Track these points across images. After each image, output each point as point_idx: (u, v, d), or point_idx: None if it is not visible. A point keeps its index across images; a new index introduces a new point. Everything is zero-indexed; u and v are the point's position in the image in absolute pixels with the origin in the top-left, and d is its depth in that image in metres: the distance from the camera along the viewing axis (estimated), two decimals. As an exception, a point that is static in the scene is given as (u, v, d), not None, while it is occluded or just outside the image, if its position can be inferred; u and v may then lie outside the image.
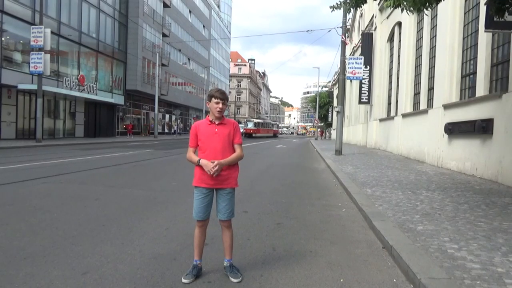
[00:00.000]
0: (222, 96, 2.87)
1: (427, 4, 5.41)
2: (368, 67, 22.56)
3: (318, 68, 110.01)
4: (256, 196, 6.34)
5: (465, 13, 10.69)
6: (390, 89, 20.10)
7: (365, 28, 25.60)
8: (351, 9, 6.77)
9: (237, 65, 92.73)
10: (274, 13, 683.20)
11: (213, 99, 2.88)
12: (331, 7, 6.97)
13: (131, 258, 3.28)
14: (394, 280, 2.98)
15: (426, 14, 6.25)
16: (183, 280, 2.82)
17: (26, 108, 23.60)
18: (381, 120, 20.81)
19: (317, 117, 56.40)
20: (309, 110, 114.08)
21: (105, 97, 31.00)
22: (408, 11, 5.57)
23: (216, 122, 2.92)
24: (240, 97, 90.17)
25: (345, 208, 5.69)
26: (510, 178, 7.37)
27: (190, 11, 50.79)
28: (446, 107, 10.94)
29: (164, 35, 41.14)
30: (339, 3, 6.95)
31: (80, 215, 4.77)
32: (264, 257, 3.44)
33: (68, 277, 2.83)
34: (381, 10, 21.01)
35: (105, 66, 32.38)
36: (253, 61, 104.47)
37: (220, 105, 2.86)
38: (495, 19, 6.26)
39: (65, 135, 27.59)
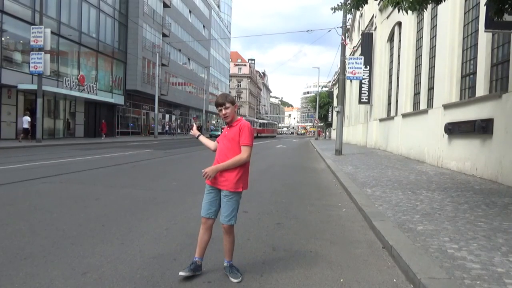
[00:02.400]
0: (222, 101, 2.93)
1: (425, 3, 5.41)
2: (368, 67, 22.55)
3: (318, 68, 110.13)
4: (256, 196, 6.34)
5: (465, 13, 10.69)
6: (390, 89, 20.10)
7: (365, 28, 25.60)
8: (352, 10, 6.77)
9: (237, 65, 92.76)
10: (274, 13, 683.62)
11: (217, 108, 3.00)
12: (332, 8, 6.98)
13: (131, 258, 3.28)
14: (394, 280, 2.98)
15: (420, 13, 6.26)
16: (180, 273, 2.85)
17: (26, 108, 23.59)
18: (381, 120, 20.81)
19: (317, 117, 56.40)
20: (309, 110, 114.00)
21: (105, 97, 31.00)
22: (404, 11, 5.57)
23: (229, 125, 2.99)
24: (240, 97, 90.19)
25: (345, 208, 5.70)
26: (510, 178, 7.38)
27: (190, 11, 50.79)
28: (446, 107, 10.94)
29: (164, 35, 41.14)
30: (340, 4, 6.97)
31: (80, 215, 4.77)
32: (264, 257, 3.45)
33: (68, 277, 2.83)
34: (381, 10, 21.01)
35: (105, 66, 32.38)
36: (253, 61, 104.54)
37: (223, 111, 2.94)
38: (494, 19, 6.26)
39: (65, 135, 27.58)
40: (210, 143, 3.23)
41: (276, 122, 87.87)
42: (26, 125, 20.36)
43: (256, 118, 68.13)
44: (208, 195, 2.96)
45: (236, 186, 2.89)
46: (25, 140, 19.96)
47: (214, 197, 2.95)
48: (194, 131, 3.32)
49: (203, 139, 3.26)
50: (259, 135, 54.73)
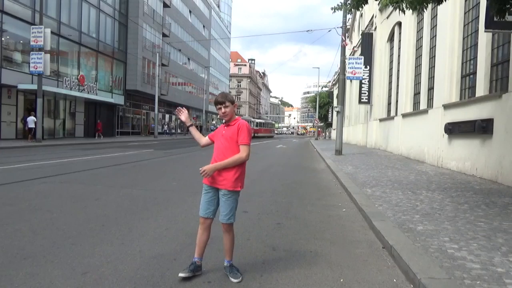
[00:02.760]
0: (222, 100, 2.93)
1: (425, 3, 5.41)
2: (368, 67, 22.55)
3: (318, 68, 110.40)
4: (256, 196, 6.35)
5: (465, 13, 10.69)
6: (390, 89, 20.10)
7: (365, 28, 25.60)
8: (352, 10, 6.78)
9: (237, 65, 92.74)
10: (274, 13, 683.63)
11: (216, 105, 2.99)
12: (332, 8, 6.99)
13: (131, 258, 3.28)
14: (394, 280, 2.98)
15: (421, 13, 6.27)
16: (180, 274, 2.84)
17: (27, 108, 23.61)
18: (381, 120, 20.81)
19: (317, 117, 56.40)
20: (309, 110, 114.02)
21: (105, 97, 31.00)
22: (401, 11, 5.57)
23: (226, 124, 2.99)
24: (240, 97, 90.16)
25: (345, 208, 5.69)
26: (510, 178, 7.37)
27: (190, 11, 50.79)
28: (446, 107, 10.94)
29: (164, 35, 41.14)
30: (340, 4, 6.98)
31: (80, 215, 4.77)
32: (264, 257, 3.45)
33: (68, 277, 2.84)
34: (381, 10, 21.00)
35: (105, 66, 32.38)
36: (253, 61, 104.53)
37: (222, 110, 2.94)
38: (495, 19, 6.26)
39: (65, 135, 27.59)
40: (201, 138, 3.18)
41: (273, 122, 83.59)
42: (32, 125, 20.74)
43: (253, 118, 64.47)
44: (206, 195, 2.97)
45: (235, 185, 2.90)
46: (31, 140, 20.22)
47: (212, 196, 2.96)
48: (185, 117, 3.18)
49: (194, 131, 3.17)
50: (255, 135, 51.43)
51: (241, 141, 2.89)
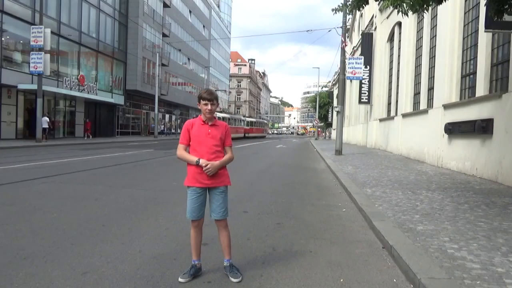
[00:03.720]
0: (210, 97, 2.87)
1: (425, 5, 5.42)
2: (368, 67, 22.55)
3: (318, 68, 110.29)
4: (256, 196, 6.34)
5: (465, 13, 10.69)
6: (390, 89, 20.09)
7: (365, 28, 25.60)
8: (352, 10, 6.79)
9: (237, 65, 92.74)
10: (274, 13, 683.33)
11: (201, 100, 2.90)
12: (332, 9, 7.01)
13: (131, 258, 3.28)
14: (394, 280, 2.98)
15: (421, 14, 6.27)
16: (180, 280, 2.83)
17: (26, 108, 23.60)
18: (381, 120, 20.80)
19: (317, 117, 56.41)
20: (309, 110, 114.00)
21: (105, 97, 31.00)
22: (404, 14, 5.57)
23: (209, 123, 2.92)
24: (240, 97, 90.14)
25: (345, 208, 5.69)
26: (510, 178, 7.37)
27: (190, 11, 50.80)
28: (446, 107, 10.94)
29: (164, 35, 41.15)
30: (340, 5, 6.99)
31: (80, 215, 4.77)
32: (264, 257, 3.44)
33: (68, 277, 2.84)
34: (381, 10, 20.99)
35: (105, 66, 32.38)
36: (253, 61, 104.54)
37: (209, 106, 2.87)
38: (494, 19, 6.26)
39: (65, 135, 27.59)
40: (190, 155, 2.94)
41: (266, 121, 77.69)
42: (45, 125, 21.26)
43: (244, 116, 58.85)
44: (199, 198, 2.91)
45: (229, 180, 3.02)
46: (44, 140, 20.57)
47: (204, 198, 2.97)
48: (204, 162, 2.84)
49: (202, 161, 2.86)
50: (246, 135, 48.25)
51: (228, 143, 3.00)
